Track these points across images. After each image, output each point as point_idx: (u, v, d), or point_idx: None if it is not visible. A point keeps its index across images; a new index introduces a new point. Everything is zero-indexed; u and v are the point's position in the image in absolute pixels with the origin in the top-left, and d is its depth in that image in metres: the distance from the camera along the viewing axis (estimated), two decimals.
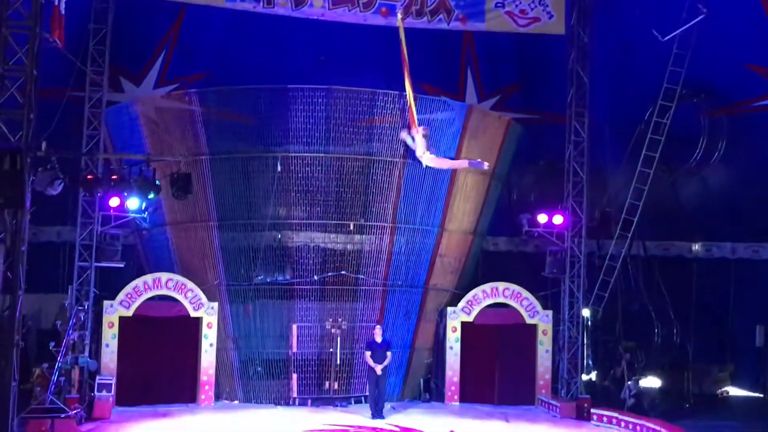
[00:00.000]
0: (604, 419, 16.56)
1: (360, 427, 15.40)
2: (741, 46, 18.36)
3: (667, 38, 16.45)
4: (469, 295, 18.60)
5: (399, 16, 17.00)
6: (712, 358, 20.87)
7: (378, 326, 16.94)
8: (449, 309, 18.57)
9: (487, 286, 18.69)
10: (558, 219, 18.21)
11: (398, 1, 17.88)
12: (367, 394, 16.85)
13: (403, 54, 16.38)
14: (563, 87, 18.56)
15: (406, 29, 17.05)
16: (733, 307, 20.87)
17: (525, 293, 18.63)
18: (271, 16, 18.17)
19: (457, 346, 18.43)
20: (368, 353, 16.53)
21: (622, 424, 16.08)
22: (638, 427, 15.62)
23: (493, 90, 20.91)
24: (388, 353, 16.62)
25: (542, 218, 18.31)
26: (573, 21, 18.26)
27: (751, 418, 17.66)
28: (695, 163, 20.01)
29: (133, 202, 15.35)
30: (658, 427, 15.02)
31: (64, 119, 15.76)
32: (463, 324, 18.50)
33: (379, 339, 16.63)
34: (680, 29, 16.53)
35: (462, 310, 18.54)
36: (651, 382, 19.41)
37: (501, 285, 18.67)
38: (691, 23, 16.42)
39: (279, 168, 17.12)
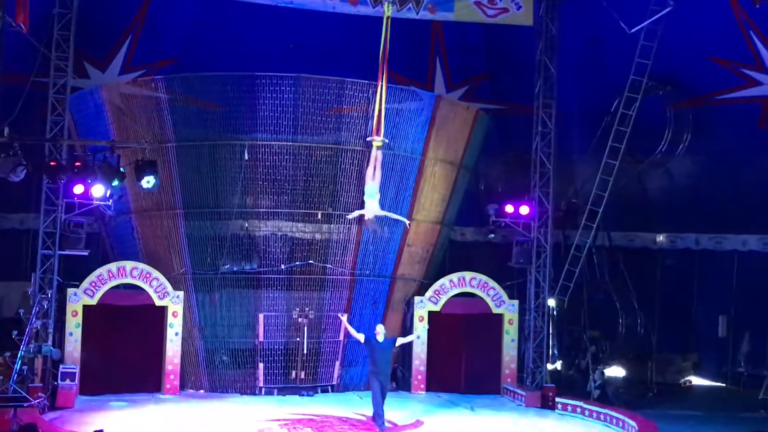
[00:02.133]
0: (569, 408, 16.71)
1: (327, 416, 15.40)
2: (706, 39, 18.56)
3: (633, 30, 16.56)
4: (437, 285, 18.65)
5: (387, 9, 16.01)
6: (676, 348, 21.11)
7: (381, 325, 14.81)
8: (416, 298, 18.60)
9: (454, 276, 18.76)
10: (524, 209, 18.29)
11: None
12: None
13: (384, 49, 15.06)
14: (531, 78, 18.62)
15: (373, 18, 17.01)
16: (697, 298, 21.13)
17: (492, 283, 18.72)
18: (241, 3, 18.05)
19: (424, 335, 18.48)
20: (353, 331, 14.76)
21: (587, 413, 16.22)
22: (602, 416, 15.77)
23: (462, 80, 20.96)
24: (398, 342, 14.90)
25: (509, 208, 18.40)
26: (541, 12, 18.31)
27: (714, 408, 17.90)
28: (660, 155, 20.19)
29: (98, 190, 15.15)
30: (621, 416, 15.17)
31: (28, 105, 15.55)
32: (430, 313, 18.54)
33: (381, 338, 14.30)
34: (647, 21, 16.64)
35: (429, 299, 18.58)
36: (615, 371, 19.60)
37: (468, 275, 18.74)
38: (658, 15, 16.52)
39: (246, 156, 17.01)
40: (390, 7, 15.85)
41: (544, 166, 18.35)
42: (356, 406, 16.33)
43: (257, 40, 19.65)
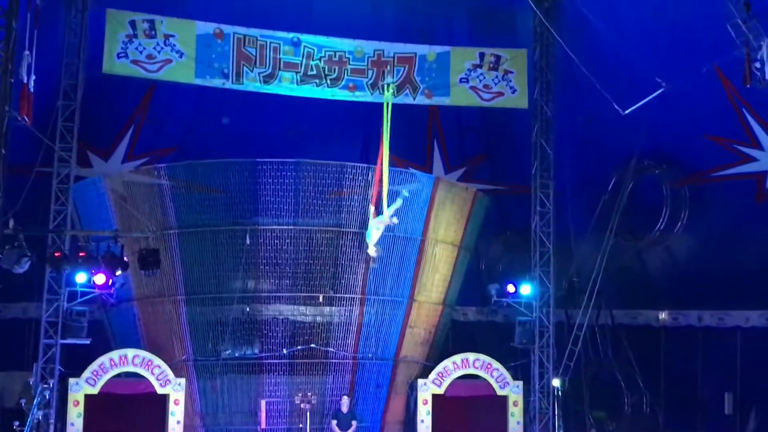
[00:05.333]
0: None
1: None
2: (700, 118, 18.82)
3: (627, 111, 16.86)
4: (440, 367, 18.49)
5: (388, 92, 17.27)
6: (683, 427, 20.81)
7: (345, 396, 17.24)
8: (420, 381, 18.43)
9: (457, 358, 18.62)
10: (526, 289, 18.36)
11: (365, 77, 18.26)
12: None
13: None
14: (528, 158, 18.88)
15: (371, 103, 17.46)
16: (702, 375, 20.94)
17: (495, 364, 18.57)
18: (241, 91, 18.44)
19: (428, 419, 18.24)
20: (334, 422, 17.05)
21: None
22: None
23: (460, 161, 21.19)
24: (354, 422, 16.94)
25: (510, 288, 18.47)
26: (536, 95, 18.70)
27: None
28: (659, 233, 20.26)
29: (100, 278, 15.24)
30: None
31: (32, 195, 15.71)
32: (434, 396, 18.32)
33: (345, 409, 17.12)
34: (640, 102, 16.96)
35: (433, 382, 18.39)
36: None
37: (471, 356, 18.61)
38: (651, 96, 16.84)
39: (248, 241, 17.13)
40: (390, 88, 17.33)
41: (544, 245, 18.47)
42: None
43: (258, 126, 19.95)
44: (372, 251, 16.44)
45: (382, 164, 16.43)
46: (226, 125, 19.82)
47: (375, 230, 16.31)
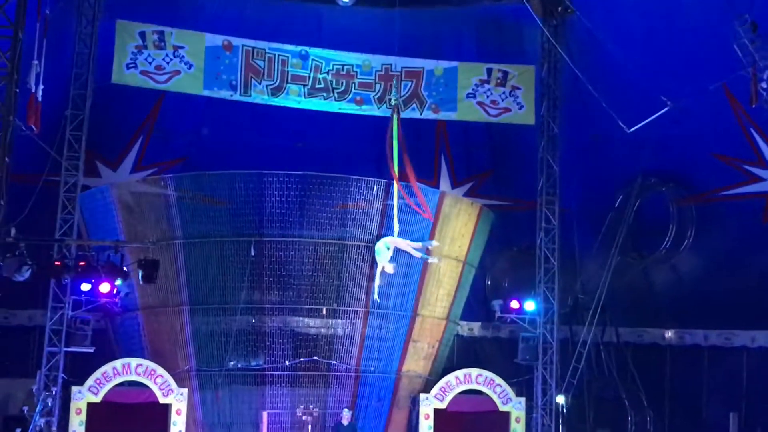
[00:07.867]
0: None
1: None
2: (707, 136, 18.80)
3: (632, 129, 16.84)
4: (442, 382, 18.45)
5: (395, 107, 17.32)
6: None
7: (346, 409, 17.07)
8: (422, 396, 18.40)
9: (460, 373, 18.57)
10: (530, 305, 18.30)
11: (372, 91, 18.38)
12: None
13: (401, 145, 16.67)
14: (534, 174, 18.88)
15: (378, 117, 17.51)
16: (707, 395, 20.78)
17: (498, 380, 18.51)
18: (249, 104, 18.56)
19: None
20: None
21: None
22: None
23: (467, 176, 21.17)
24: None
25: (514, 304, 18.42)
26: (543, 111, 18.70)
27: None
28: (665, 251, 20.16)
29: (105, 287, 15.32)
30: None
31: (40, 203, 15.84)
32: (436, 411, 18.28)
33: (345, 422, 16.89)
34: (645, 121, 16.93)
35: (435, 396, 18.38)
36: None
37: (474, 371, 18.56)
38: (657, 115, 16.81)
39: (253, 252, 17.20)
40: (394, 101, 17.25)
41: (549, 261, 18.42)
42: None
43: (266, 138, 20.05)
44: (389, 268, 16.17)
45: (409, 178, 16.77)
46: (233, 137, 19.87)
47: (386, 251, 16.08)
